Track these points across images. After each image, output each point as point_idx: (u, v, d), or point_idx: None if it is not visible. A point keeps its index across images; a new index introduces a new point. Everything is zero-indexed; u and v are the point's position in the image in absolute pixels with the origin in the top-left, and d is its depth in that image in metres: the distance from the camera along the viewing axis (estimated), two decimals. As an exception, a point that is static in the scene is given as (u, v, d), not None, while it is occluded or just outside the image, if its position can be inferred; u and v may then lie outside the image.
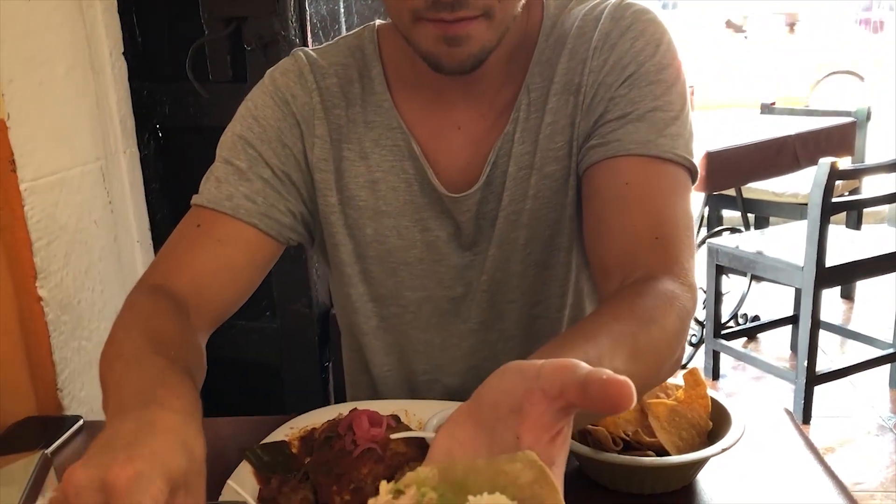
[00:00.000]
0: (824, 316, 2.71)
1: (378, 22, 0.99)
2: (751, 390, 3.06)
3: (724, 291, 3.07)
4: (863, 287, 3.77)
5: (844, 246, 2.76)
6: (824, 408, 2.82)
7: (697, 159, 0.86)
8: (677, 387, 0.86)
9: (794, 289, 3.07)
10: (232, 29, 1.51)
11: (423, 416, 0.89)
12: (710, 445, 0.79)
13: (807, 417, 2.70)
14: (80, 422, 1.06)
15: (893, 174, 2.84)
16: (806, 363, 2.65)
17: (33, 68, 1.29)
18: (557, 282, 0.97)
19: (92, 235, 1.45)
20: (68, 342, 1.33)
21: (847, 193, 3.30)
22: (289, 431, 0.89)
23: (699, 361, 3.13)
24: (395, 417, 0.84)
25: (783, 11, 11.01)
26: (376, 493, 0.43)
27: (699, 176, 0.87)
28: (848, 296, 3.84)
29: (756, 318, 3.43)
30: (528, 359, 0.50)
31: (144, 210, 1.64)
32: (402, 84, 0.94)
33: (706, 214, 3.67)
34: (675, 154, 0.83)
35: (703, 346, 3.13)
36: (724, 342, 3.03)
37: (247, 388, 1.79)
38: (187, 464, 0.55)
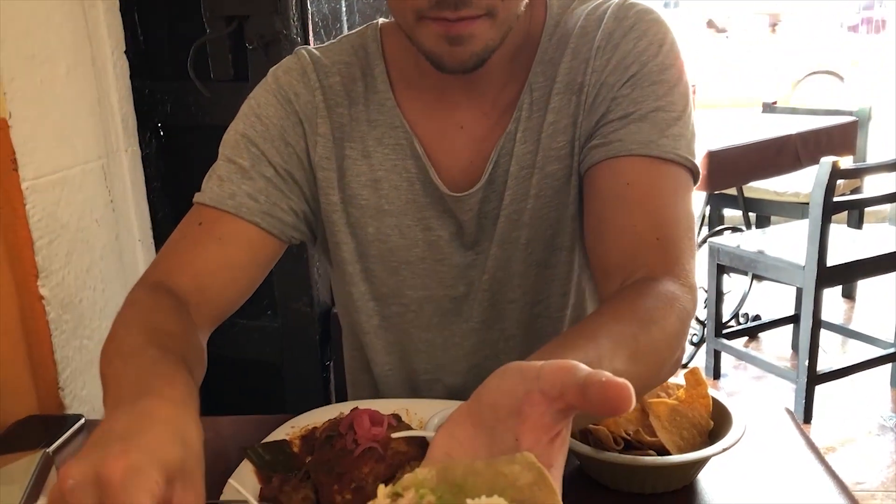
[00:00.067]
0: (825, 315, 2.71)
1: (381, 20, 0.99)
2: (752, 390, 3.06)
3: (725, 291, 3.07)
4: (864, 286, 3.78)
5: (846, 245, 2.75)
6: (825, 407, 2.82)
7: (699, 158, 0.86)
8: (678, 386, 0.86)
9: (795, 288, 3.07)
10: (233, 28, 1.51)
11: (425, 415, 0.89)
12: (711, 445, 0.79)
13: (808, 417, 2.70)
14: (82, 421, 1.06)
15: (894, 173, 2.84)
16: (807, 362, 2.65)
17: (35, 67, 1.29)
18: (559, 281, 0.97)
19: (93, 234, 1.45)
20: (70, 341, 1.33)
21: (848, 193, 3.29)
22: (290, 430, 0.89)
23: (700, 361, 3.13)
24: (397, 417, 0.84)
25: (766, 12, 11.02)
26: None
27: (700, 175, 0.87)
28: (849, 295, 3.84)
29: (757, 317, 3.43)
30: (528, 359, 0.50)
31: (146, 209, 1.65)
32: (405, 83, 0.94)
33: (707, 213, 3.67)
34: (677, 155, 0.83)
35: (705, 345, 3.13)
36: (725, 341, 3.03)
37: (248, 387, 1.79)
38: (183, 453, 0.55)
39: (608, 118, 0.86)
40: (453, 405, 0.51)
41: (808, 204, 2.58)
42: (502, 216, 0.93)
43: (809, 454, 0.87)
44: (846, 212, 3.38)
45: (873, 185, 3.42)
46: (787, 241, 2.80)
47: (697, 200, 3.35)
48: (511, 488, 0.40)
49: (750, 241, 2.89)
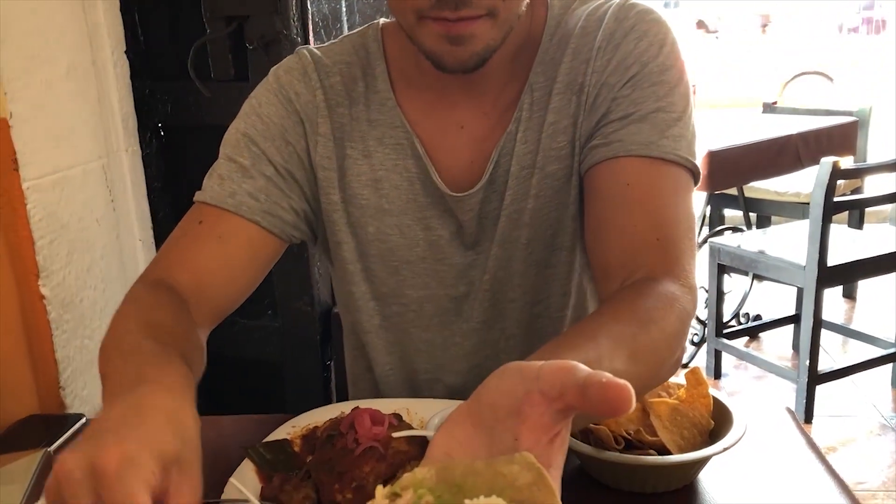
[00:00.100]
0: (826, 315, 2.71)
1: (382, 20, 0.99)
2: (752, 389, 3.06)
3: (725, 291, 3.07)
4: (864, 286, 3.77)
5: (846, 245, 2.75)
6: (826, 407, 2.81)
7: (699, 159, 0.86)
8: (679, 386, 0.86)
9: (795, 288, 3.06)
10: (234, 28, 1.51)
11: (425, 414, 0.89)
12: (711, 444, 0.79)
13: (808, 417, 2.70)
14: (83, 420, 1.06)
15: (895, 174, 2.84)
16: (808, 362, 2.64)
17: (35, 67, 1.30)
18: (559, 281, 0.97)
19: (94, 234, 1.45)
20: (70, 340, 1.33)
21: (849, 193, 3.29)
22: (291, 430, 0.89)
23: (701, 360, 3.13)
24: (397, 416, 0.84)
25: (757, 13, 11.03)
26: (379, 491, 0.43)
27: (701, 175, 0.87)
28: (850, 295, 3.83)
29: (758, 317, 3.43)
30: (528, 359, 0.50)
31: (146, 208, 1.65)
32: (406, 83, 0.94)
33: (708, 213, 3.67)
34: (677, 155, 0.83)
35: (705, 345, 3.13)
36: (725, 341, 3.03)
37: (248, 387, 1.79)
38: (179, 442, 0.54)
39: (608, 118, 0.86)
40: (454, 405, 0.51)
41: (808, 204, 2.57)
42: (503, 216, 0.93)
43: (810, 454, 0.87)
44: (847, 212, 3.38)
45: (874, 186, 3.43)
46: (788, 241, 2.80)
47: (698, 200, 3.35)
48: (510, 488, 0.40)
49: (750, 241, 2.89)
